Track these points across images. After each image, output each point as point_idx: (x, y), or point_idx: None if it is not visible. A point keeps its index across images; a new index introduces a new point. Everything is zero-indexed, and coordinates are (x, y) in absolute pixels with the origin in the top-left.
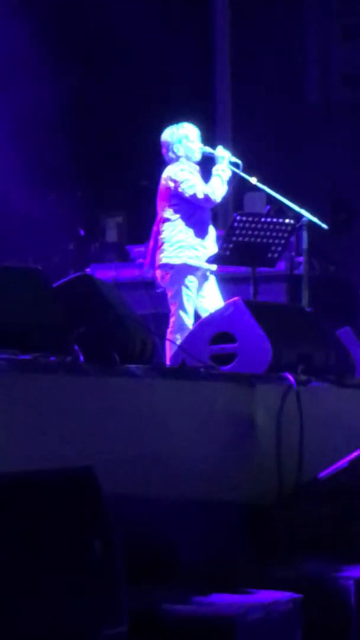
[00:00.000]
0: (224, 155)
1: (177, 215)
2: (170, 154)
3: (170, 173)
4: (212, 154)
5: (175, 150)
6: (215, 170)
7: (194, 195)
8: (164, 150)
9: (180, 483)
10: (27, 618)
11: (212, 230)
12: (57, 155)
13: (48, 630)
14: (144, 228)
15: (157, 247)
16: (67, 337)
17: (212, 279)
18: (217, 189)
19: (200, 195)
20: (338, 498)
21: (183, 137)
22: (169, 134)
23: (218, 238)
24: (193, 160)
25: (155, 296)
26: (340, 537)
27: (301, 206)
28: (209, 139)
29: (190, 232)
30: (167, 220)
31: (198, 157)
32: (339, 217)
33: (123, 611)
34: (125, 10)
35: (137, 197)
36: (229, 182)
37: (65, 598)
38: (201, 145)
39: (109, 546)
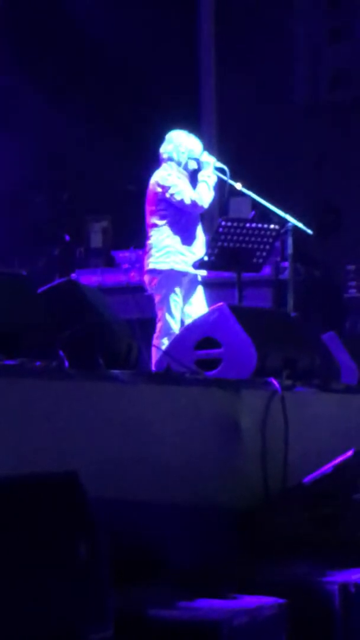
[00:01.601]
0: (209, 161)
1: (165, 221)
2: (164, 155)
3: (157, 178)
4: (198, 159)
5: (168, 153)
6: (201, 176)
7: (182, 201)
8: (162, 147)
9: (165, 487)
10: (11, 623)
11: (200, 235)
12: (42, 159)
13: (33, 634)
14: (129, 233)
15: (145, 252)
16: (52, 342)
17: (200, 287)
18: (204, 194)
19: (187, 201)
20: (323, 503)
21: (180, 144)
22: (169, 136)
23: (206, 243)
24: (186, 169)
25: (141, 301)
26: (325, 542)
27: (287, 211)
28: None
29: (177, 237)
30: (155, 225)
31: (190, 168)
32: (327, 219)
33: (108, 616)
34: (111, 12)
35: (123, 201)
36: (215, 188)
37: (50, 602)
38: (200, 157)
39: (95, 550)
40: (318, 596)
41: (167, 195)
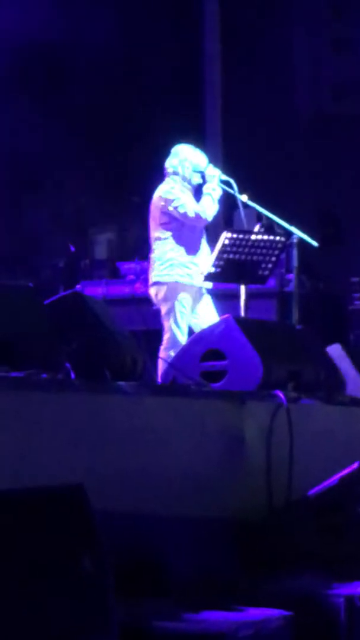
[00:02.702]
0: (214, 174)
1: (168, 234)
2: (169, 169)
3: (161, 192)
4: (203, 172)
5: (173, 167)
6: (205, 189)
7: (185, 214)
8: (167, 161)
9: (170, 499)
10: (15, 634)
11: (205, 248)
12: (47, 171)
13: None
14: (134, 245)
15: (149, 265)
16: (58, 354)
17: (207, 297)
18: (207, 207)
19: (191, 214)
20: (328, 515)
21: (185, 159)
22: (175, 150)
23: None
24: (190, 183)
25: (146, 313)
26: (330, 555)
27: (291, 223)
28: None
29: (181, 250)
30: (159, 238)
31: (195, 182)
32: (328, 232)
33: (113, 627)
34: (117, 28)
35: (128, 213)
36: (220, 201)
37: (55, 614)
38: (205, 170)
39: (99, 562)
40: (324, 609)
41: (171, 208)
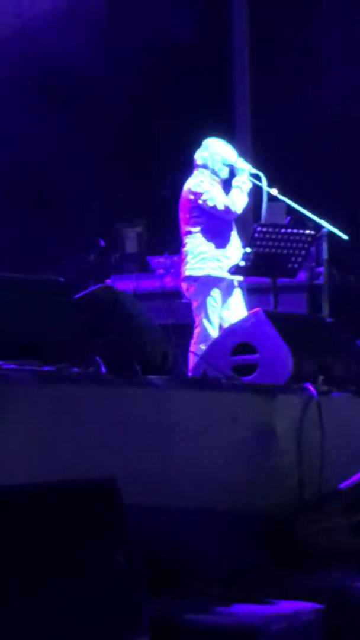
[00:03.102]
0: (244, 168)
1: (199, 227)
2: (199, 161)
3: (190, 185)
4: (233, 166)
5: (204, 159)
6: (235, 182)
7: (214, 207)
8: (197, 153)
9: (201, 493)
10: (49, 630)
11: (236, 241)
12: (77, 165)
13: None
14: (164, 238)
15: (181, 259)
16: (88, 348)
17: (238, 291)
18: (237, 200)
19: (220, 207)
20: (359, 509)
21: (215, 152)
22: (205, 143)
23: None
24: (219, 176)
25: (176, 307)
26: None
27: (321, 217)
28: None
29: (212, 243)
30: (189, 232)
31: (224, 176)
32: (357, 228)
33: (145, 622)
34: (153, 22)
35: (157, 207)
36: (249, 194)
37: (87, 609)
38: (235, 163)
39: (131, 557)
40: (355, 602)
41: (200, 201)
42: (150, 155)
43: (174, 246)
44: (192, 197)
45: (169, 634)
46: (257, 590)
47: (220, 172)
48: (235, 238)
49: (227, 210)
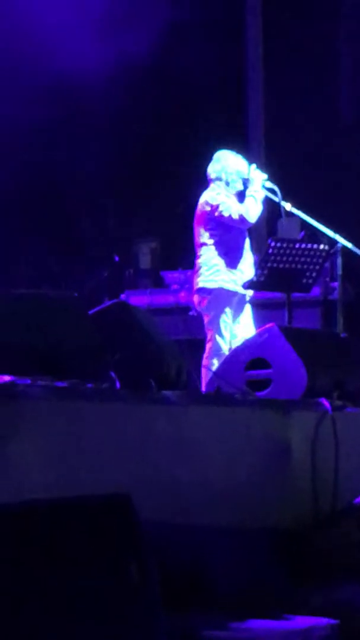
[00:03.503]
0: (257, 178)
1: (214, 240)
2: (212, 175)
3: (207, 198)
4: (246, 178)
5: (217, 173)
6: (249, 191)
7: (230, 217)
8: (210, 167)
9: (216, 509)
10: None
11: (249, 256)
12: (91, 181)
13: None
14: (178, 254)
15: (195, 271)
16: (103, 364)
17: (248, 307)
18: (251, 209)
19: (235, 216)
20: None
21: (228, 165)
22: (217, 156)
23: (256, 263)
24: (235, 189)
25: (190, 322)
26: None
27: (336, 231)
28: None
29: (226, 256)
30: (204, 244)
31: (239, 189)
32: None
33: (161, 636)
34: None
35: (171, 222)
36: (263, 205)
37: (102, 624)
38: (249, 173)
39: (146, 572)
40: None
41: (217, 213)
42: (164, 171)
43: (188, 261)
44: (208, 209)
45: None
46: (272, 605)
47: (235, 184)
48: (248, 253)
49: (242, 219)
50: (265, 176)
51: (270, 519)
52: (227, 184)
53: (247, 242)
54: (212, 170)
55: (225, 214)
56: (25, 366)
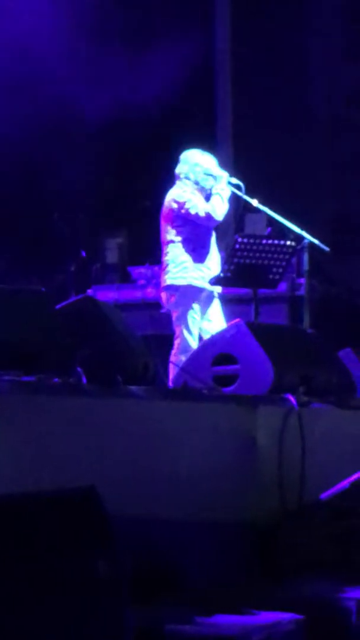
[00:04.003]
0: (221, 175)
1: (181, 237)
2: (181, 174)
3: (173, 196)
4: (212, 174)
5: (185, 172)
6: (214, 189)
7: (197, 215)
8: (178, 168)
9: (182, 503)
10: (29, 638)
11: (216, 252)
12: (59, 176)
13: None
14: (145, 249)
15: (162, 268)
16: (70, 358)
17: (217, 302)
18: (217, 207)
19: (202, 214)
20: (340, 519)
21: (196, 164)
22: (184, 156)
23: (222, 260)
24: (203, 188)
25: (157, 317)
26: (342, 559)
27: (303, 226)
28: None
29: (194, 253)
30: (171, 242)
31: (208, 187)
32: (342, 238)
33: (128, 630)
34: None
35: (139, 217)
36: (229, 202)
37: (72, 617)
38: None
39: (114, 566)
40: (335, 612)
41: (183, 210)
42: (131, 166)
43: (155, 257)
44: (175, 206)
45: None
46: (239, 600)
47: (204, 183)
48: (215, 249)
49: (209, 217)
50: (227, 174)
51: (237, 514)
52: (197, 182)
53: (214, 238)
54: (179, 170)
55: (192, 212)
56: None
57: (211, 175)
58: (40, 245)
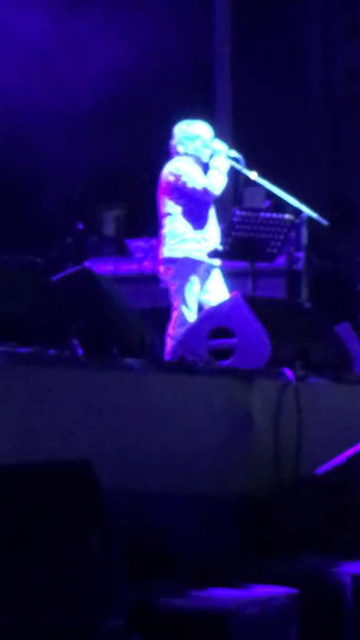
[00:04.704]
0: (220, 149)
1: (179, 209)
2: (178, 148)
3: (170, 168)
4: (210, 146)
5: (182, 145)
6: (212, 162)
7: (194, 189)
8: (172, 142)
9: (178, 477)
10: (25, 612)
11: (215, 225)
12: (56, 148)
13: (46, 624)
14: (142, 222)
15: (159, 241)
16: (65, 330)
17: (218, 273)
18: (215, 181)
19: (199, 187)
20: (335, 494)
21: (194, 135)
22: (179, 129)
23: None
24: (201, 161)
25: (154, 291)
26: (337, 533)
27: (301, 201)
28: None
29: (191, 225)
30: (169, 214)
31: (206, 159)
32: (338, 213)
33: (121, 604)
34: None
35: (136, 190)
36: (228, 175)
37: (64, 591)
38: (211, 145)
39: (107, 540)
40: (330, 587)
41: (180, 183)
42: (129, 137)
43: (153, 229)
44: (172, 178)
45: (144, 617)
46: (233, 574)
47: (201, 155)
48: (214, 221)
49: (206, 191)
50: (225, 147)
51: (232, 488)
52: (194, 155)
53: (213, 211)
54: (174, 143)
55: (189, 186)
56: None
57: (209, 147)
58: (36, 217)
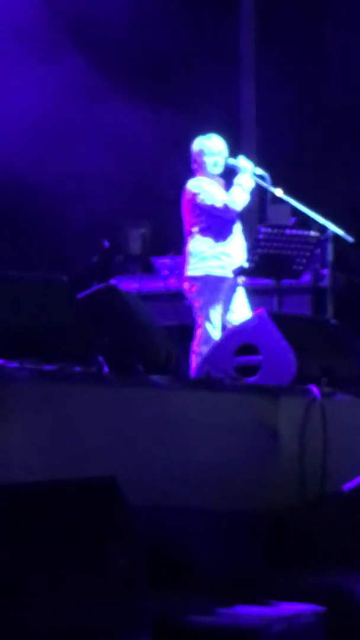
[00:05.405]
0: (246, 167)
1: (199, 227)
2: (195, 165)
3: (190, 186)
4: (235, 165)
5: (199, 161)
6: (236, 179)
7: (212, 206)
8: (192, 160)
9: (204, 493)
10: (51, 626)
11: (240, 241)
12: (81, 165)
13: (71, 638)
14: (168, 239)
15: (184, 259)
16: (91, 347)
17: (241, 292)
18: (236, 198)
19: (218, 205)
20: None
21: (207, 149)
22: (195, 145)
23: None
24: (214, 173)
25: (180, 308)
26: None
27: (327, 218)
28: (234, 150)
29: (213, 242)
30: (191, 232)
31: (218, 170)
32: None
33: (146, 620)
34: (154, 14)
35: (162, 208)
36: (253, 192)
37: (89, 607)
38: (224, 157)
39: (132, 555)
40: (356, 604)
41: (198, 201)
42: (155, 155)
43: (178, 247)
44: (191, 196)
45: (170, 633)
46: (258, 590)
47: (212, 170)
48: (239, 238)
49: (226, 208)
50: (252, 165)
51: (258, 504)
52: (209, 171)
53: (239, 227)
54: (195, 158)
55: (208, 203)
56: (14, 349)
57: (235, 166)
58: (62, 235)
